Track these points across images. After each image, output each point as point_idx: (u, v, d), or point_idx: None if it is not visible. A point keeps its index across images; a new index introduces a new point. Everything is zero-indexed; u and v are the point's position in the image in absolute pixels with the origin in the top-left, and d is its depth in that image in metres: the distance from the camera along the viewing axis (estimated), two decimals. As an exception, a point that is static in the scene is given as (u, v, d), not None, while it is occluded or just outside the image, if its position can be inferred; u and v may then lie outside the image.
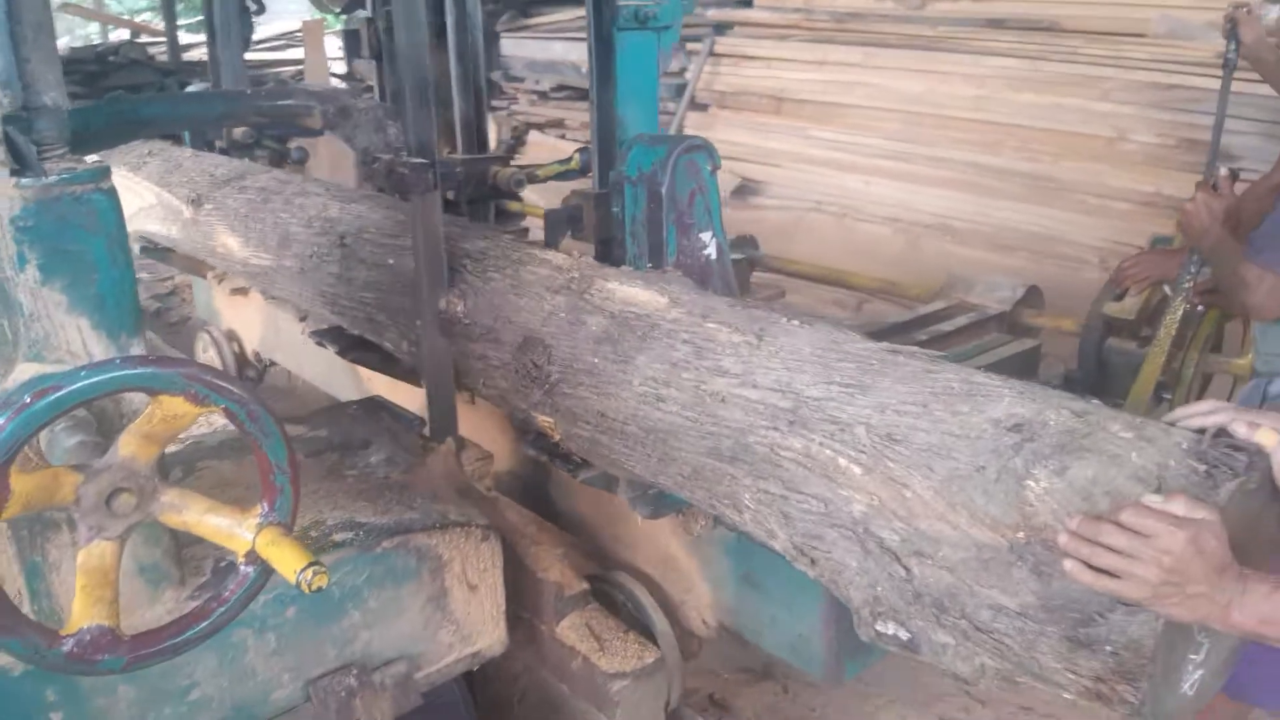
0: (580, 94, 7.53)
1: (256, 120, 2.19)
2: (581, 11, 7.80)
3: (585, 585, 2.02)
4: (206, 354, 4.02)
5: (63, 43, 13.87)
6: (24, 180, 1.23)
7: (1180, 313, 2.36)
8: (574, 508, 2.38)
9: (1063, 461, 1.20)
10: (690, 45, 6.36)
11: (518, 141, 7.59)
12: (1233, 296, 1.99)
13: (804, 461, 1.43)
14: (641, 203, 2.16)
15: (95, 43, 11.85)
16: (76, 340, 1.33)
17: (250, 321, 3.69)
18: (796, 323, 1.64)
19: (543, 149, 7.78)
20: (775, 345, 1.60)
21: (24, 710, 1.41)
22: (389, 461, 2.07)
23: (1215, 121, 2.58)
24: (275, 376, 4.01)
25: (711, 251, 2.24)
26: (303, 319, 2.95)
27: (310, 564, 1.05)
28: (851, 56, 5.52)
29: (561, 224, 2.29)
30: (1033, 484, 1.20)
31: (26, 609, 1.44)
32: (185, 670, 1.57)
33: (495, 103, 8.04)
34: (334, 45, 8.49)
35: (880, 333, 2.73)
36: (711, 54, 6.21)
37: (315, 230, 2.48)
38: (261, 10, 3.34)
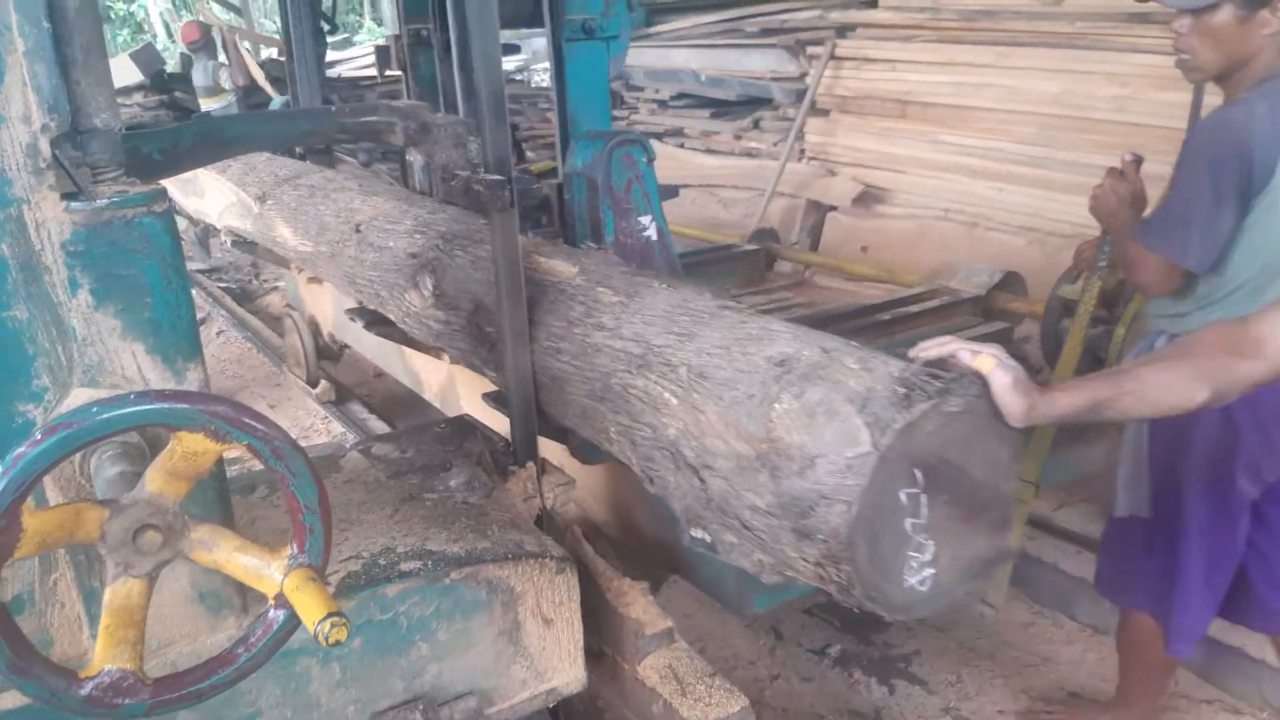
0: (702, 102, 7.43)
1: (340, 137, 2.21)
2: (704, 18, 7.69)
3: (669, 623, 1.91)
4: (290, 336, 4.62)
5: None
6: (74, 204, 1.21)
7: (1095, 291, 2.51)
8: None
9: (802, 388, 1.44)
10: (811, 49, 6.17)
11: (637, 151, 7.55)
12: (1126, 275, 2.18)
13: (643, 397, 1.71)
14: (584, 191, 2.47)
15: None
16: (131, 365, 1.31)
17: (325, 307, 4.05)
18: (665, 286, 1.91)
19: (662, 158, 7.73)
20: (641, 304, 1.86)
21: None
22: (468, 486, 2.01)
23: (1191, 114, 2.63)
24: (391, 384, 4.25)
25: (651, 233, 2.53)
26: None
27: (330, 615, 0.98)
28: (982, 56, 5.22)
29: (533, 211, 2.66)
30: (778, 405, 1.44)
31: (85, 634, 1.44)
32: (248, 698, 1.54)
33: (616, 113, 8.03)
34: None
35: (845, 315, 3.24)
36: (833, 57, 6.00)
37: (341, 219, 2.85)
38: (334, 29, 3.58)
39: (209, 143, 1.85)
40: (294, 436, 3.41)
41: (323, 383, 4.52)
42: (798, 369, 1.48)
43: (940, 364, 1.41)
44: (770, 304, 3.16)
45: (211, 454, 1.01)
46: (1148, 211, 2.12)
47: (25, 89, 1.20)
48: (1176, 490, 2.08)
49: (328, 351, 4.47)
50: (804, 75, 6.26)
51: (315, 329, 4.41)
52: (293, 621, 1.06)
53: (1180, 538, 2.09)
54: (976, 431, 1.40)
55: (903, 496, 1.38)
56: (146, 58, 9.45)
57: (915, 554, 1.42)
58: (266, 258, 4.04)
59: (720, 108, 7.20)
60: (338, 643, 0.98)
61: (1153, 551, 2.14)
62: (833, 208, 5.90)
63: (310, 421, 4.54)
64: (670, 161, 7.55)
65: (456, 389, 3.16)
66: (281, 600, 1.06)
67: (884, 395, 1.37)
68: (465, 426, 2.33)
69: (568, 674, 1.85)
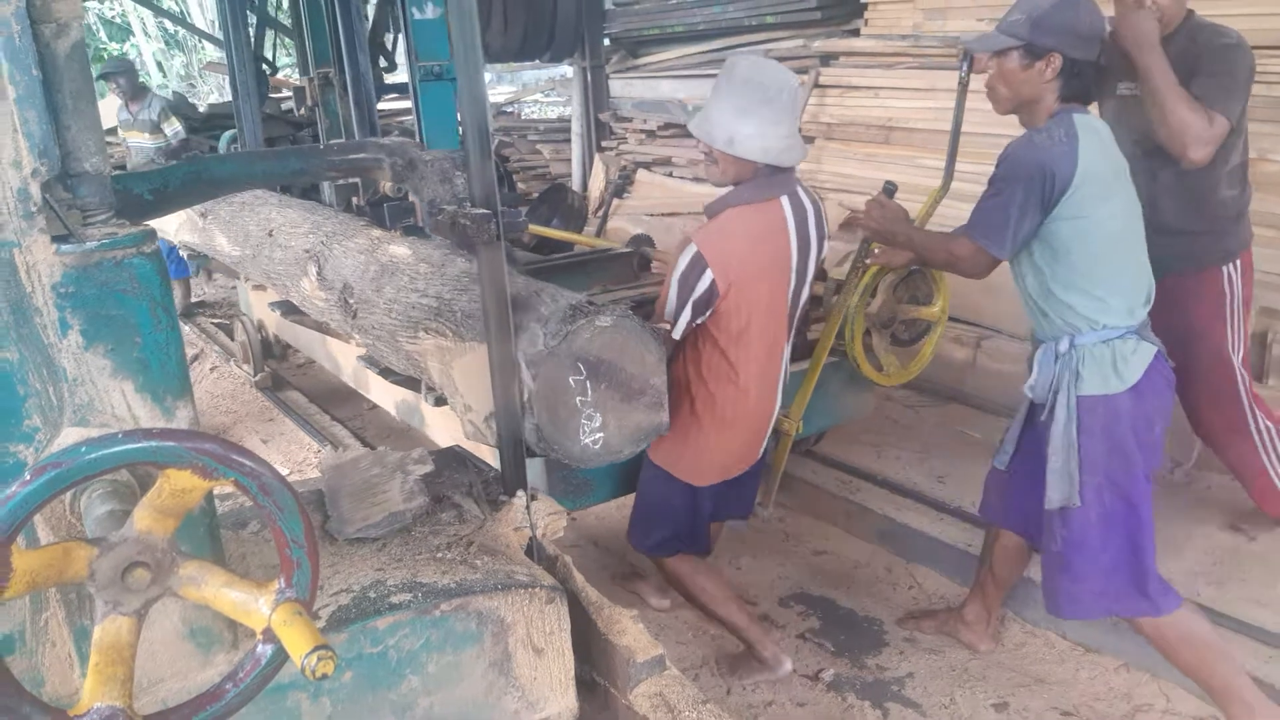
0: (687, 131, 7.46)
1: (329, 175, 2.25)
2: (689, 49, 7.79)
3: (660, 650, 1.92)
4: (241, 338, 5.36)
5: (212, 99, 14.85)
6: (64, 247, 1.23)
7: (862, 285, 3.10)
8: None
9: (517, 316, 2.06)
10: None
11: (625, 181, 7.61)
12: (950, 269, 2.56)
13: (435, 335, 2.48)
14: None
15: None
16: (121, 404, 1.33)
17: (267, 311, 4.46)
18: (463, 260, 2.59)
19: (651, 186, 7.78)
20: (443, 272, 2.61)
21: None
22: (459, 518, 2.03)
23: (951, 134, 3.33)
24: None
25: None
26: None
27: (316, 648, 0.99)
28: (964, 82, 5.30)
29: (402, 214, 3.15)
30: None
31: (76, 673, 1.45)
32: (238, 735, 1.54)
33: (605, 143, 8.09)
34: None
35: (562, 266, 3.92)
36: (817, 85, 6.07)
37: (261, 228, 3.53)
38: (274, 71, 4.55)
39: (199, 183, 1.88)
40: (285, 471, 3.43)
41: (263, 372, 5.26)
42: (517, 303, 2.08)
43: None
44: (637, 296, 3.37)
45: (199, 491, 1.02)
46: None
47: (16, 134, 1.22)
48: (1097, 478, 2.36)
49: (272, 349, 5.27)
50: (789, 103, 6.32)
51: (262, 330, 5.15)
52: (281, 656, 1.07)
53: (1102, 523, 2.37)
54: (624, 339, 2.13)
55: (571, 381, 2.07)
56: (138, 96, 9.49)
57: (586, 422, 2.13)
58: (216, 267, 4.83)
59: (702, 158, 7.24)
60: (325, 676, 0.99)
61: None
62: (820, 233, 5.94)
63: (303, 455, 4.55)
64: (658, 190, 7.60)
65: (364, 374, 3.60)
66: (269, 635, 1.07)
67: (558, 315, 2.06)
68: (455, 457, 2.35)
69: (559, 704, 1.85)
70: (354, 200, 3.60)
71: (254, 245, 3.54)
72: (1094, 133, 2.30)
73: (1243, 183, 2.92)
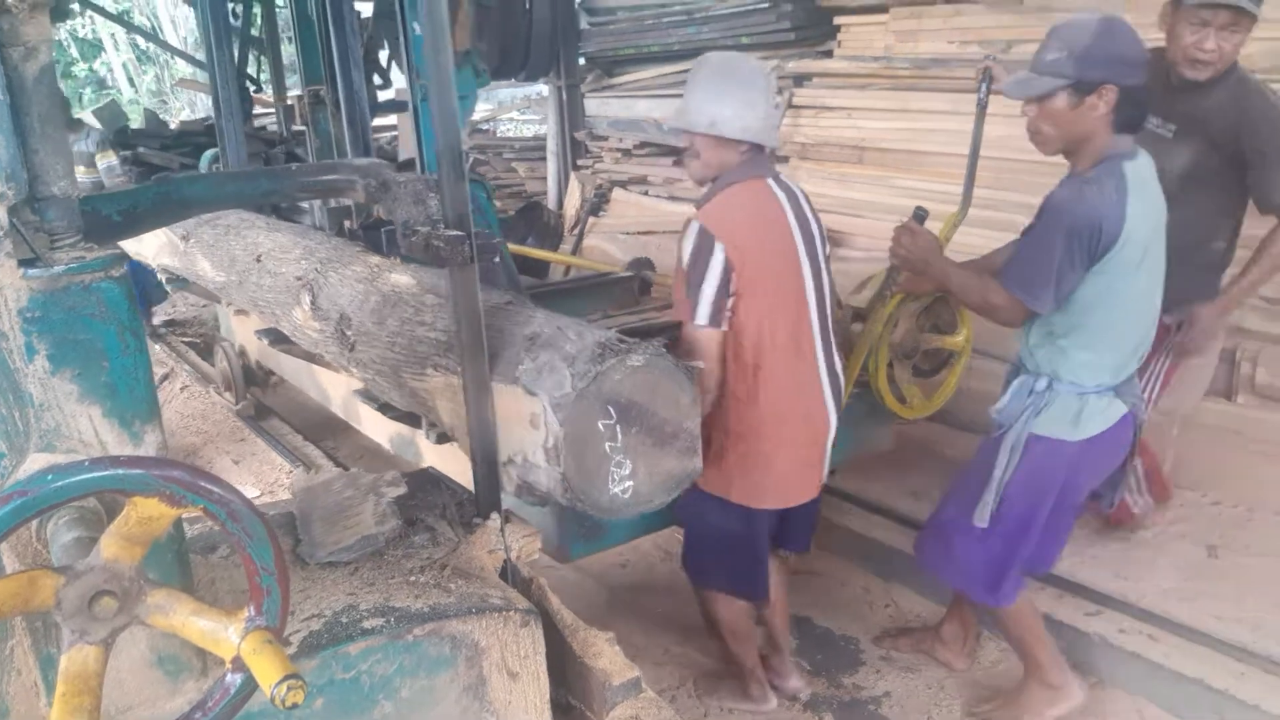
0: (663, 150, 7.53)
1: (302, 195, 2.23)
2: (665, 68, 7.83)
3: (636, 673, 1.91)
4: (222, 364, 5.11)
5: (183, 115, 14.74)
6: (31, 271, 1.22)
7: (887, 313, 2.99)
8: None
9: (537, 353, 1.92)
10: (770, 98, 6.29)
11: (601, 199, 7.63)
12: (982, 315, 2.47)
13: (445, 372, 2.22)
14: None
15: (205, 116, 12.49)
16: (88, 429, 1.31)
17: (251, 337, 4.33)
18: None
19: (627, 205, 7.80)
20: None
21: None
22: (433, 540, 2.01)
23: (970, 157, 3.18)
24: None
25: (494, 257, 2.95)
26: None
27: (286, 677, 0.98)
28: (934, 103, 5.35)
29: (393, 240, 2.91)
30: (520, 366, 1.92)
31: (42, 702, 1.42)
32: (207, 764, 1.52)
33: (580, 162, 8.12)
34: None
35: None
36: (791, 105, 6.12)
37: (249, 252, 3.30)
38: (259, 89, 4.23)
39: (168, 203, 1.86)
40: (256, 493, 3.39)
41: (245, 400, 5.04)
42: (540, 341, 1.95)
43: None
44: (639, 321, 3.42)
45: (167, 518, 1.01)
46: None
47: (-17, 158, 1.21)
48: (1013, 507, 2.45)
49: (254, 377, 4.98)
50: (763, 123, 6.37)
51: (244, 357, 4.90)
52: (250, 685, 1.06)
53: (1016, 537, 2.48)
54: (657, 380, 1.91)
55: (600, 426, 1.86)
56: (109, 114, 9.44)
57: (616, 469, 1.91)
58: (196, 291, 4.48)
59: (682, 155, 7.30)
60: (295, 706, 0.98)
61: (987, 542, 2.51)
62: (794, 252, 5.99)
63: (275, 476, 4.50)
64: (634, 209, 7.63)
65: (356, 405, 3.49)
66: (239, 663, 1.06)
67: (586, 354, 1.85)
68: (429, 479, 2.33)
69: (534, 728, 1.84)
70: (346, 224, 3.49)
71: (240, 271, 3.35)
72: (1142, 185, 2.21)
73: (1233, 236, 2.94)
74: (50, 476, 0.95)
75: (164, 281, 4.34)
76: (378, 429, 3.46)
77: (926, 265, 2.58)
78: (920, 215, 2.63)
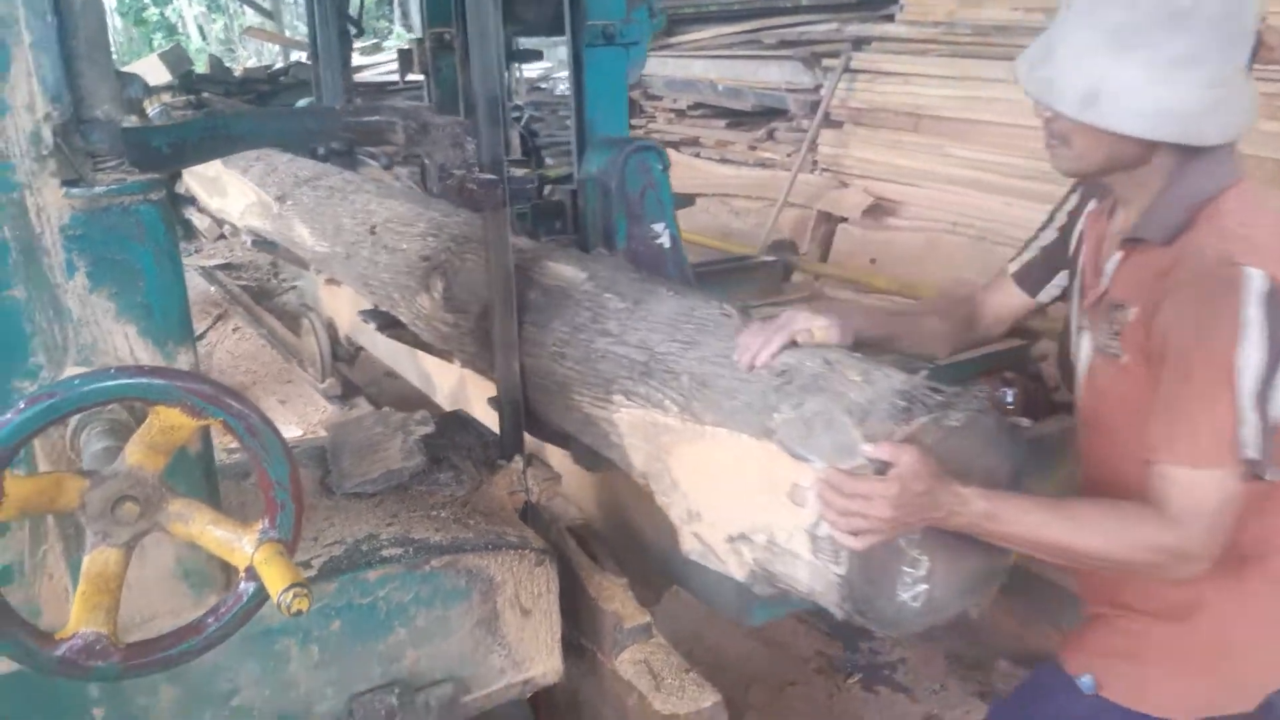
0: (718, 112, 7.47)
1: (344, 136, 2.25)
2: (724, 29, 7.71)
3: (647, 617, 1.95)
4: (307, 338, 4.48)
5: (250, 63, 14.98)
6: (73, 190, 1.27)
7: None
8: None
9: (801, 398, 1.46)
10: (827, 62, 6.20)
11: (652, 160, 7.59)
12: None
13: (642, 404, 1.74)
14: (597, 197, 2.51)
15: (269, 64, 12.65)
16: (124, 346, 1.37)
17: (342, 310, 3.98)
18: (671, 294, 1.92)
19: (678, 167, 7.76)
20: (647, 310, 1.88)
21: (66, 705, 1.45)
22: (456, 479, 2.06)
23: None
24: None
25: (664, 241, 2.57)
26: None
27: (292, 585, 1.02)
28: (994, 71, 5.23)
29: (548, 216, 2.69)
30: (776, 414, 1.47)
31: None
32: (228, 675, 1.59)
33: (634, 121, 8.08)
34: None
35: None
36: (847, 69, 6.03)
37: (358, 221, 2.84)
38: (361, 33, 3.61)
39: (214, 138, 1.90)
40: (298, 431, 3.40)
41: (330, 379, 4.44)
42: (798, 379, 1.49)
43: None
44: (778, 312, 3.14)
45: (188, 429, 1.06)
46: None
47: (30, 79, 1.26)
48: None
49: (343, 354, 4.38)
50: (818, 87, 6.29)
51: (332, 331, 4.32)
52: (262, 594, 1.11)
53: None
54: (977, 446, 1.37)
55: None
56: (174, 58, 9.60)
57: (909, 569, 1.41)
58: (286, 258, 4.05)
59: (736, 118, 7.24)
60: (299, 612, 1.03)
61: None
62: (843, 219, 5.93)
63: (319, 417, 4.61)
64: (686, 170, 7.59)
65: (467, 392, 3.03)
66: (251, 573, 1.11)
67: (884, 407, 1.35)
68: (459, 421, 2.38)
69: (545, 664, 1.89)
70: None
71: (347, 243, 2.84)
72: None
73: None
74: (77, 381, 1.00)
75: (250, 243, 3.93)
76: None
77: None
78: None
